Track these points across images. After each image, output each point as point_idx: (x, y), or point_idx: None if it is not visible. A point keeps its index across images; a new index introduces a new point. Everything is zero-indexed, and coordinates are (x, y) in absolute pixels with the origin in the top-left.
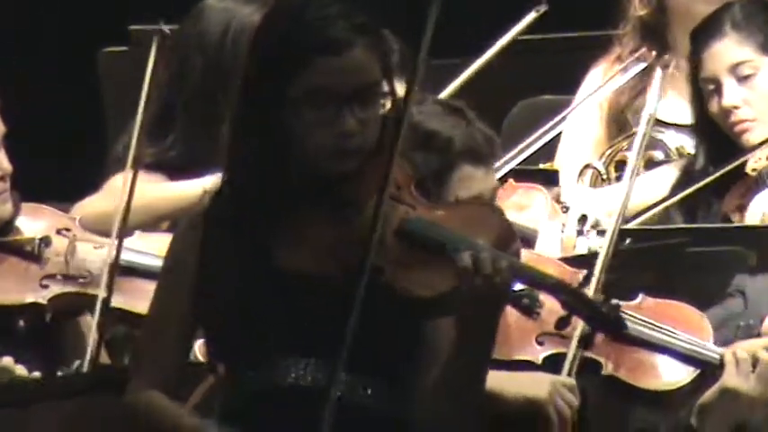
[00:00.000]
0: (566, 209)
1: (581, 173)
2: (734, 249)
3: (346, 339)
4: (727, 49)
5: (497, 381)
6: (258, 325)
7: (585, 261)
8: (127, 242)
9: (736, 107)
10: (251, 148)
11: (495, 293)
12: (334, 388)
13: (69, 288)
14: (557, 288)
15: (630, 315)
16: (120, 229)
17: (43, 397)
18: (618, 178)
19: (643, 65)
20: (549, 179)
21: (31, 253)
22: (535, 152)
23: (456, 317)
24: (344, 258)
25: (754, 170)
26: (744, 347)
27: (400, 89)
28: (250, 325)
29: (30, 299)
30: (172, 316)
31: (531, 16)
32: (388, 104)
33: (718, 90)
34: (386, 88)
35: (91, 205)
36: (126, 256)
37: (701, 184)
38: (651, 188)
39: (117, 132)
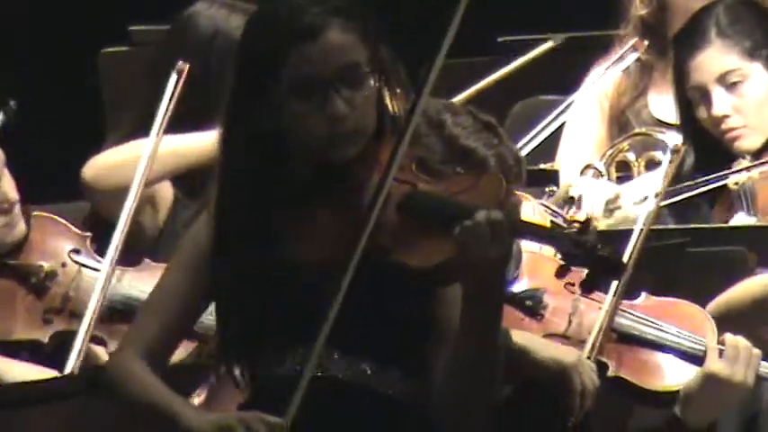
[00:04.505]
0: (552, 192)
1: (582, 173)
2: (734, 249)
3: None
4: (714, 59)
5: (531, 341)
6: (271, 316)
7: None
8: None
9: (726, 116)
10: (246, 147)
11: (498, 254)
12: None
13: (72, 326)
14: (555, 237)
15: (635, 315)
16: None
17: (42, 397)
18: (618, 179)
19: (635, 54)
20: (550, 179)
21: (36, 284)
22: (532, 150)
23: (462, 290)
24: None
25: (735, 183)
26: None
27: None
28: (263, 317)
29: (30, 335)
30: (175, 293)
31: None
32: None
33: (706, 99)
34: (373, 66)
35: (103, 157)
36: (126, 291)
37: (685, 196)
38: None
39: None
